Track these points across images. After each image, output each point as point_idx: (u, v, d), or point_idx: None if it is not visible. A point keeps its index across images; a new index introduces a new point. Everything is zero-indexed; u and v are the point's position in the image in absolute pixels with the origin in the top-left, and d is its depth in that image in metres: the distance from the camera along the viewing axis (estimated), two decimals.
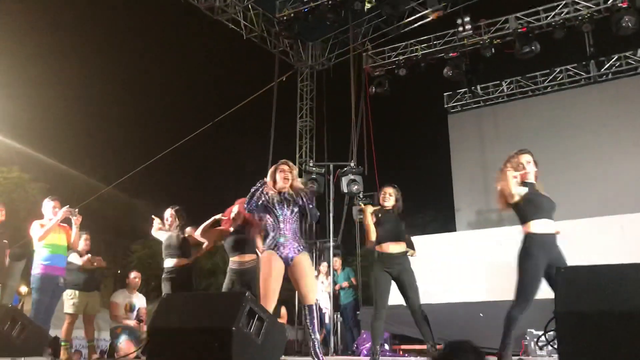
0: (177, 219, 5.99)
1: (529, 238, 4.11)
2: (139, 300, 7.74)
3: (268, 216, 4.38)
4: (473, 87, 11.98)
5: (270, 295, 4.20)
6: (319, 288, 9.59)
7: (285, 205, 4.35)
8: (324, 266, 9.57)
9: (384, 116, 12.22)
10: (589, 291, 2.30)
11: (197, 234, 5.71)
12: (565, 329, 2.27)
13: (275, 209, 4.34)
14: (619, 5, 9.36)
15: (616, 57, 11.25)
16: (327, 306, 9.34)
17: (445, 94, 12.86)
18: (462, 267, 8.77)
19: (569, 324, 2.26)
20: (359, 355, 8.07)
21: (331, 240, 9.50)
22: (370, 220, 5.11)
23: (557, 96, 11.74)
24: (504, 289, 7.76)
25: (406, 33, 11.46)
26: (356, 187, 9.96)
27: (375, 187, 10.92)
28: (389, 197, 5.20)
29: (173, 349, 3.36)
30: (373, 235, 5.09)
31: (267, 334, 3.40)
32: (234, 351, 3.11)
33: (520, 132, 11.59)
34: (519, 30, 10.11)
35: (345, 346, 9.61)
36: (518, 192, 4.19)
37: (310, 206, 4.38)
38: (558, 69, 11.78)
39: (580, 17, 9.78)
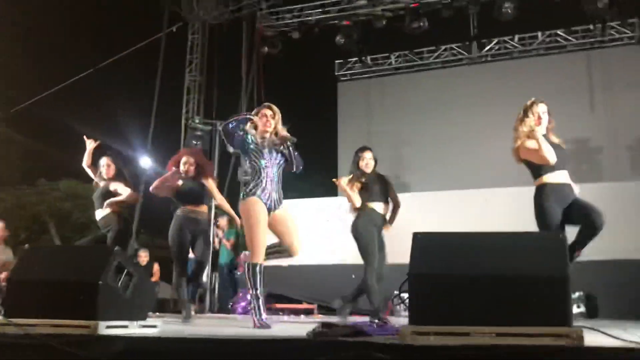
0: (110, 167, 5.65)
1: (542, 188, 4.00)
2: (5, 253, 7.37)
3: (250, 161, 4.21)
4: (363, 57, 12.20)
5: (260, 243, 4.03)
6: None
7: (271, 152, 4.21)
8: (223, 220, 9.58)
9: (275, 77, 12.14)
10: (441, 256, 2.52)
11: (151, 189, 5.53)
12: (417, 289, 2.48)
13: (261, 154, 4.18)
14: None
15: (496, 40, 11.92)
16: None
17: (336, 61, 13.02)
18: (338, 230, 9.08)
19: (420, 285, 2.47)
20: (234, 314, 8.19)
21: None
22: (350, 191, 5.06)
23: (440, 73, 12.28)
24: None
25: None
26: None
27: None
28: (370, 162, 5.17)
29: (35, 303, 3.22)
30: (358, 203, 5.08)
31: (136, 289, 3.36)
32: (99, 305, 3.06)
33: (405, 105, 12.06)
34: (411, 5, 10.43)
35: (221, 305, 9.70)
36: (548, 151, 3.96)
37: (295, 154, 4.23)
38: (443, 47, 12.28)
39: None
